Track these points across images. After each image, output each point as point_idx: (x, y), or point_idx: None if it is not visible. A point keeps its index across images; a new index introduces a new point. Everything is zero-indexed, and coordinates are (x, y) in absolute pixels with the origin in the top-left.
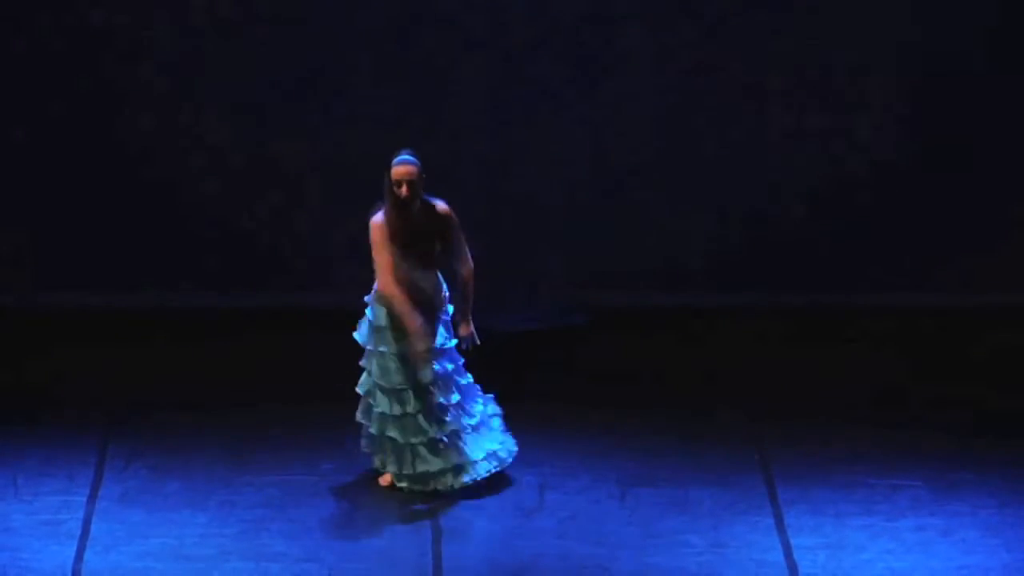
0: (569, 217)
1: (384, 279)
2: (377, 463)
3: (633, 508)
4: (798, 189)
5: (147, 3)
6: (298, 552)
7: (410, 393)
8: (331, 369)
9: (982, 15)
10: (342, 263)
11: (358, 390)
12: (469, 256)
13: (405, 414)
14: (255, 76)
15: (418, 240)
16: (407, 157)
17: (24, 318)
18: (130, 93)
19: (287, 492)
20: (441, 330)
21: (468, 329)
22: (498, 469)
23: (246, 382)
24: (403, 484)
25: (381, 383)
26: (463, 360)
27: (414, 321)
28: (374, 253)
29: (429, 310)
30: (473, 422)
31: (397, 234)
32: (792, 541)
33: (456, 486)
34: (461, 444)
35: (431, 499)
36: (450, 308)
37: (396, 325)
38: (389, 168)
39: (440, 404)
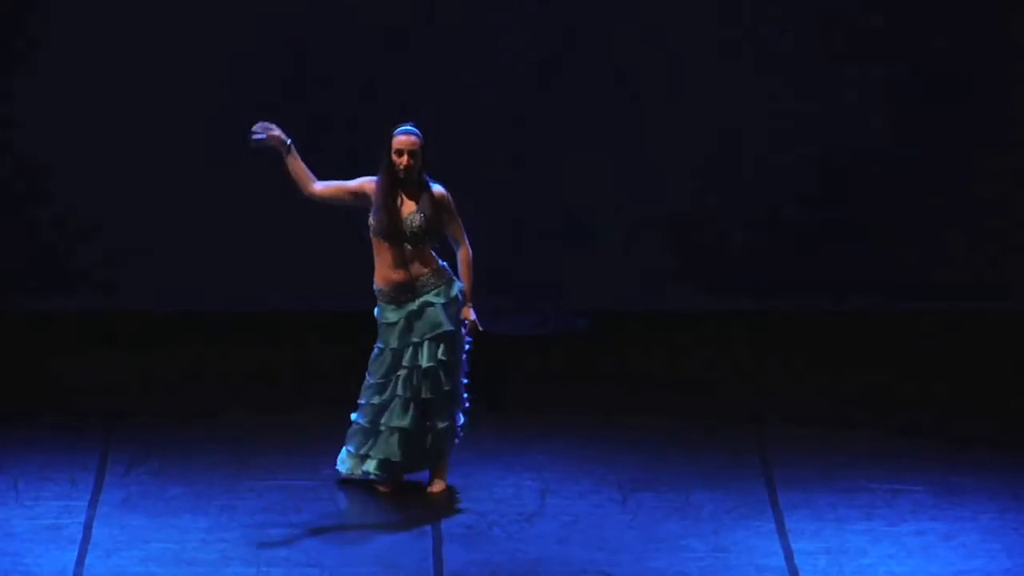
0: (569, 220)
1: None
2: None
3: (634, 513)
4: (795, 193)
5: None
6: (299, 557)
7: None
8: (332, 374)
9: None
10: (344, 267)
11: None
12: (467, 240)
13: (383, 401)
14: None
15: (413, 222)
16: (410, 127)
17: (24, 323)
18: None
19: (288, 497)
20: (443, 314)
21: (469, 313)
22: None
23: (247, 387)
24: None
25: (369, 377)
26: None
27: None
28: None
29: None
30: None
31: (383, 205)
32: (793, 546)
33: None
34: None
35: (429, 503)
36: (457, 286)
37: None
38: (389, 139)
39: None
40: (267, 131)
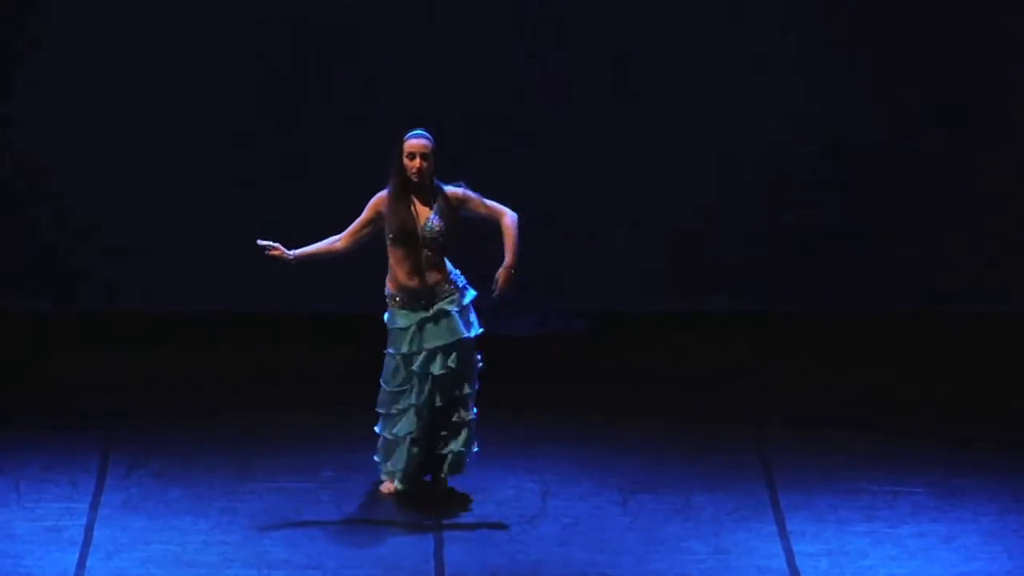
0: (569, 220)
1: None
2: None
3: (635, 515)
4: (796, 193)
5: None
6: (300, 559)
7: (409, 393)
8: (333, 376)
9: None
10: (345, 270)
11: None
12: (503, 208)
13: (399, 411)
14: None
15: (431, 227)
16: (422, 131)
17: (24, 323)
18: None
19: (289, 499)
20: (459, 323)
21: (504, 273)
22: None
23: (248, 389)
24: (397, 483)
25: (383, 384)
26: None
27: None
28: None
29: (434, 301)
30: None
31: (398, 213)
32: (794, 548)
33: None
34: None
35: (431, 504)
36: (471, 293)
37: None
38: (400, 144)
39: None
40: (269, 250)
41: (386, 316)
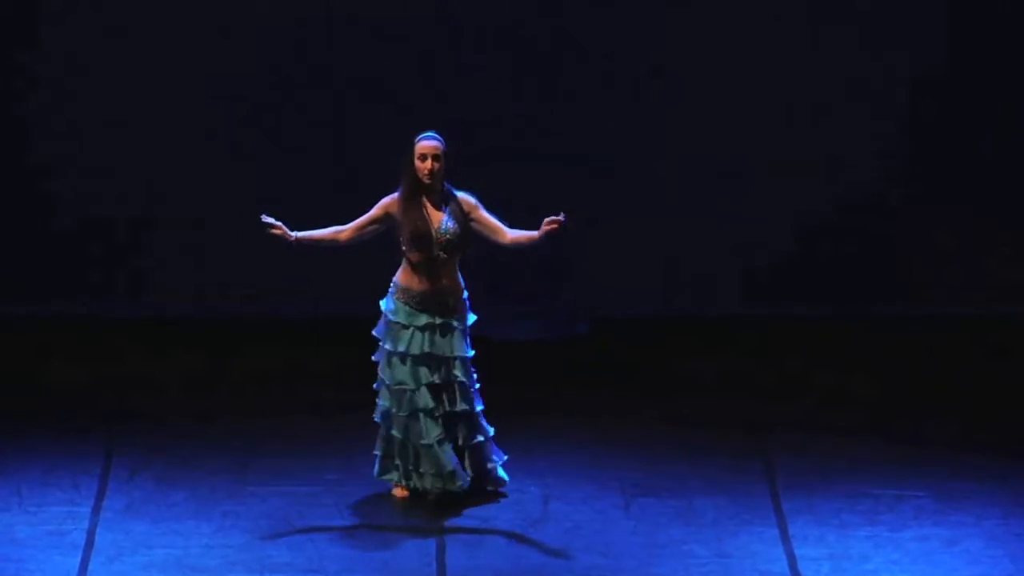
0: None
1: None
2: (388, 475)
3: (637, 518)
4: (802, 199)
5: None
6: (302, 562)
7: (415, 394)
8: (335, 380)
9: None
10: (347, 272)
11: (374, 386)
12: (505, 226)
13: (408, 414)
14: None
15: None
16: (433, 134)
17: (26, 327)
18: None
19: (291, 503)
20: (464, 341)
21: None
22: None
23: (250, 393)
24: (411, 482)
25: (384, 379)
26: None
27: None
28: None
29: (444, 311)
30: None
31: (410, 215)
32: (796, 551)
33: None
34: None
35: (435, 509)
36: (471, 318)
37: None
38: (411, 147)
39: (464, 412)
40: (272, 228)
41: (384, 303)
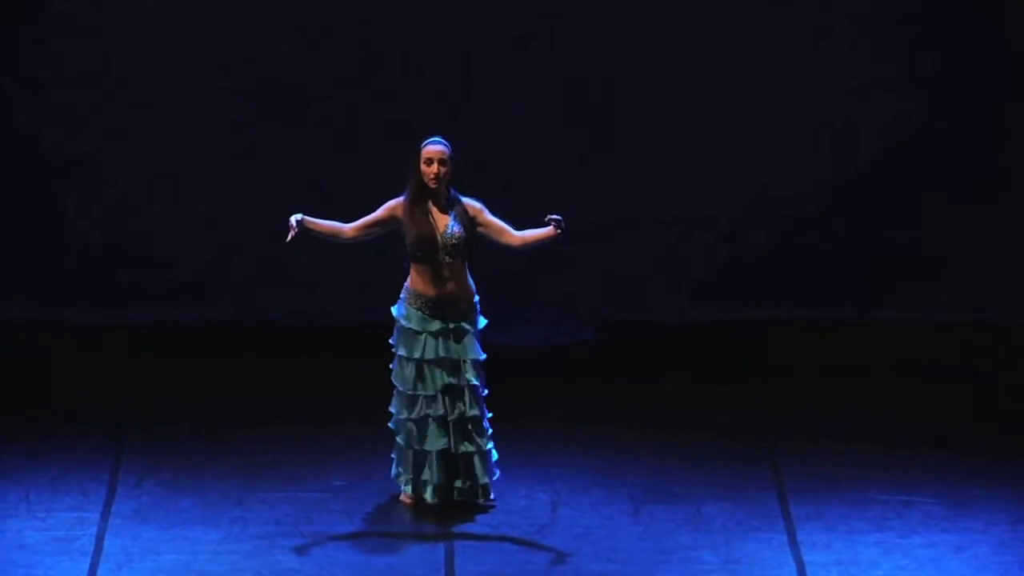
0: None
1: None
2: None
3: (646, 524)
4: (807, 204)
5: None
6: (310, 569)
7: (428, 399)
8: (342, 385)
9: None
10: (356, 279)
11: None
12: (511, 227)
13: (418, 419)
14: None
15: (451, 235)
16: (439, 138)
17: (35, 334)
18: None
19: (299, 508)
20: (476, 344)
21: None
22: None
23: (258, 399)
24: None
25: (398, 385)
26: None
27: None
28: None
29: (457, 315)
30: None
31: (416, 220)
32: (805, 558)
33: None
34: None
35: (443, 515)
36: (482, 321)
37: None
38: (418, 151)
39: (474, 417)
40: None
41: (396, 309)
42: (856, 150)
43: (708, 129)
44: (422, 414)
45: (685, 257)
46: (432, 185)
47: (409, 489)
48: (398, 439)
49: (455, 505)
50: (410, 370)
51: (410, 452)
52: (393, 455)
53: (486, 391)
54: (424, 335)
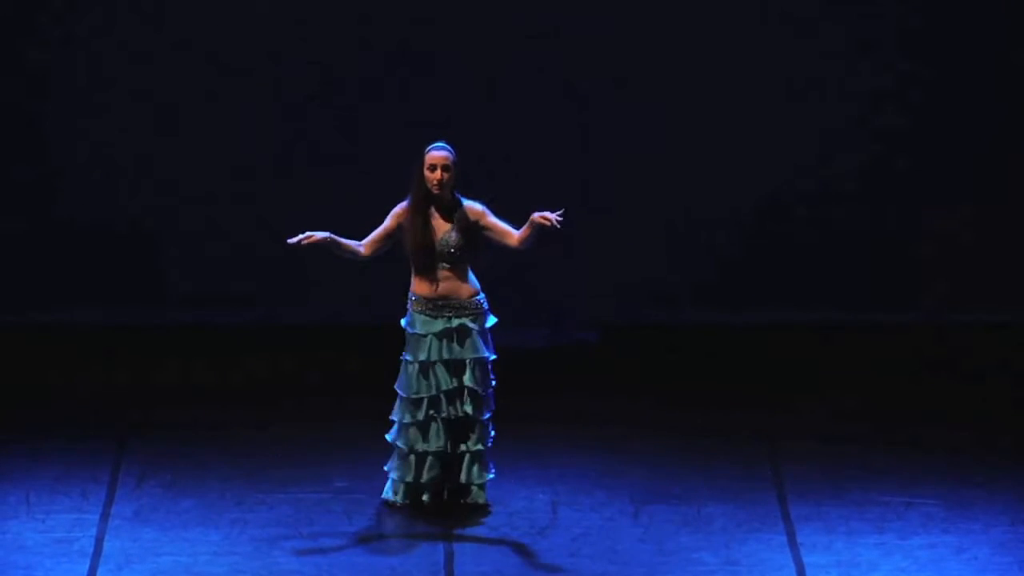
0: (580, 232)
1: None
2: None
3: (646, 525)
4: (807, 205)
5: None
6: (311, 570)
7: (431, 400)
8: (343, 387)
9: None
10: (356, 281)
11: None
12: (514, 229)
13: (421, 421)
14: None
15: (448, 241)
16: (443, 144)
17: (35, 336)
18: None
19: (299, 510)
20: (481, 343)
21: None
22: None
23: (258, 400)
24: (398, 497)
25: (400, 391)
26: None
27: None
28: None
29: (460, 312)
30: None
31: (415, 226)
32: (805, 559)
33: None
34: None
35: (443, 516)
36: (491, 320)
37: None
38: (421, 157)
39: (473, 418)
40: (307, 239)
41: (404, 321)
42: (857, 150)
43: (710, 130)
44: (426, 416)
45: (686, 258)
46: (435, 191)
47: (403, 495)
48: (399, 444)
49: (455, 506)
50: (414, 372)
51: (411, 457)
52: (388, 469)
53: (492, 388)
54: (428, 337)
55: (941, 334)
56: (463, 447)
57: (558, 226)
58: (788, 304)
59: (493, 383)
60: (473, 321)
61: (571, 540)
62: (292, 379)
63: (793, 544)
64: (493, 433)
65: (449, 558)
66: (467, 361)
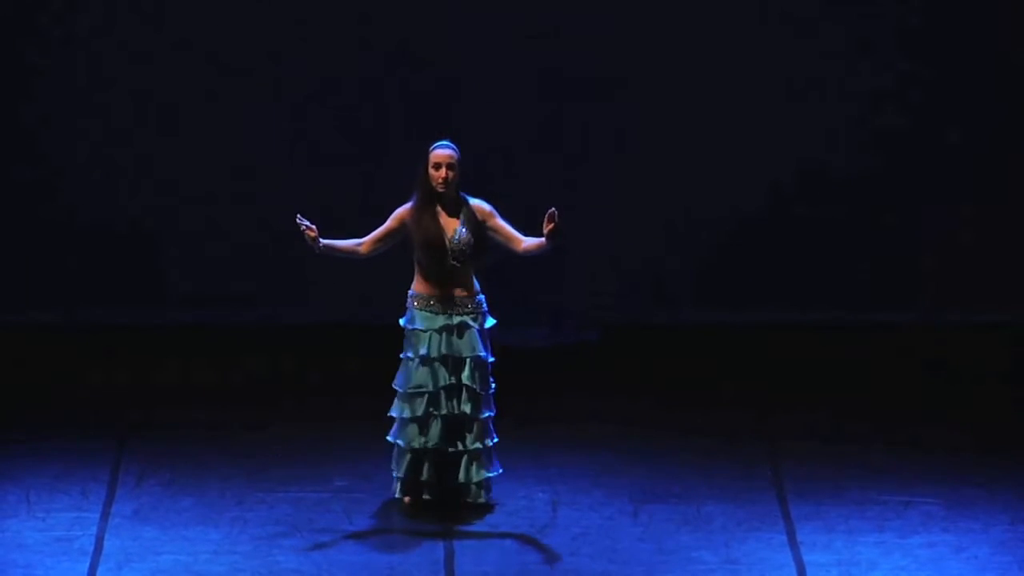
0: (581, 232)
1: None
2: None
3: (646, 524)
4: (808, 206)
5: None
6: (310, 569)
7: (430, 395)
8: (343, 387)
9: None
10: (356, 280)
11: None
12: (520, 234)
13: (419, 417)
14: None
15: (459, 239)
16: (447, 142)
17: (35, 335)
18: None
19: (299, 509)
20: (480, 342)
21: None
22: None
23: (259, 399)
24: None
25: (398, 388)
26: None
27: None
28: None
29: (461, 310)
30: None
31: (423, 224)
32: (805, 558)
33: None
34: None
35: (443, 515)
36: (490, 321)
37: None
38: (425, 156)
39: (471, 416)
40: (309, 231)
41: (403, 320)
42: (857, 150)
43: (710, 130)
44: (424, 412)
45: (686, 258)
46: (440, 189)
47: (401, 491)
48: (398, 442)
49: (455, 505)
50: (414, 368)
51: (409, 454)
52: (392, 467)
53: (493, 389)
54: (428, 333)
55: (941, 334)
56: (461, 446)
57: (557, 223)
58: (788, 304)
59: (493, 386)
60: (473, 320)
61: (571, 539)
62: (292, 379)
63: (793, 543)
64: (496, 439)
65: (449, 557)
66: (466, 359)
